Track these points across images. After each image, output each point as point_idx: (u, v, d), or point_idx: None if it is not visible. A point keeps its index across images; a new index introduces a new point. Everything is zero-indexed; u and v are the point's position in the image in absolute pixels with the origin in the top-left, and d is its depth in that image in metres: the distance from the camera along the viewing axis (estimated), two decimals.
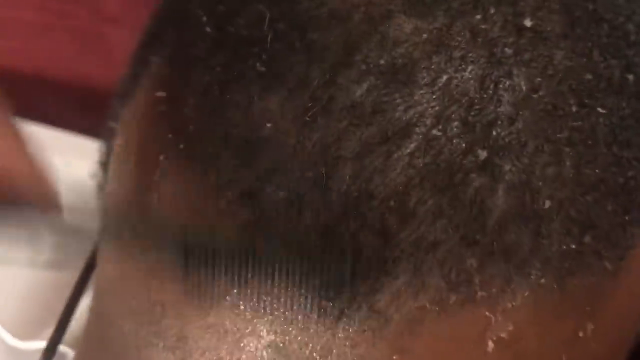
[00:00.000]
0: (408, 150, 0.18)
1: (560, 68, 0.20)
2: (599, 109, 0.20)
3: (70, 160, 0.41)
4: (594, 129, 0.20)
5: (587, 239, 0.19)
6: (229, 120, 0.19)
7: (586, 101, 0.20)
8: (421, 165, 0.18)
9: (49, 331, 0.34)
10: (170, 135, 0.20)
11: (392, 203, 0.18)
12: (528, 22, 0.20)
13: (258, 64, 0.19)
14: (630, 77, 0.21)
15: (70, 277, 0.37)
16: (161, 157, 0.21)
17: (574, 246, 0.19)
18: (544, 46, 0.20)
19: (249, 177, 0.19)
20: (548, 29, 0.20)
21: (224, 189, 0.19)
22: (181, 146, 0.20)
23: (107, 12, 0.44)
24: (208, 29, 0.21)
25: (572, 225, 0.19)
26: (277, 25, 0.20)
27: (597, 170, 0.20)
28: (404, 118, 0.19)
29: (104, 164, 0.26)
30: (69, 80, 0.45)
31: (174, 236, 0.20)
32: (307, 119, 0.19)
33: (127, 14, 0.44)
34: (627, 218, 0.20)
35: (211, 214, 0.19)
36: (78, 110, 0.47)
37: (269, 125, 0.19)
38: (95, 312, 0.24)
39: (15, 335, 0.35)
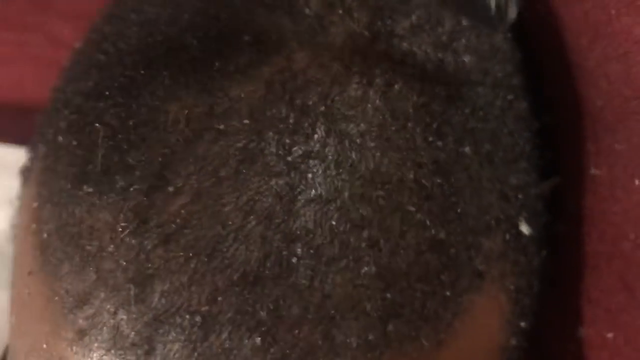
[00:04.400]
0: (211, 267, 0.20)
1: (367, 169, 0.21)
2: (409, 207, 0.21)
3: None
4: (402, 225, 0.21)
5: (390, 327, 0.20)
6: (67, 235, 0.21)
7: (393, 197, 0.21)
8: (221, 281, 0.20)
9: None
10: (33, 239, 0.22)
11: (197, 318, 0.20)
12: (342, 126, 0.21)
13: (86, 185, 0.21)
14: (467, 149, 0.22)
15: None
16: (29, 256, 0.23)
17: (373, 337, 0.20)
18: (352, 149, 0.21)
19: (81, 287, 0.21)
20: (360, 129, 0.21)
21: (65, 295, 0.21)
22: (38, 252, 0.22)
23: (64, 39, 0.46)
24: (60, 138, 0.23)
25: (370, 319, 0.20)
26: (106, 144, 0.21)
27: (404, 264, 0.21)
28: (207, 236, 0.20)
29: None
30: (33, 104, 0.48)
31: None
32: (124, 237, 0.20)
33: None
34: (448, 293, 0.21)
35: (57, 318, 0.21)
36: None
37: (95, 242, 0.21)
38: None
39: None
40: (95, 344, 0.20)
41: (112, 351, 0.20)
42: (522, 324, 0.25)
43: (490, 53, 0.25)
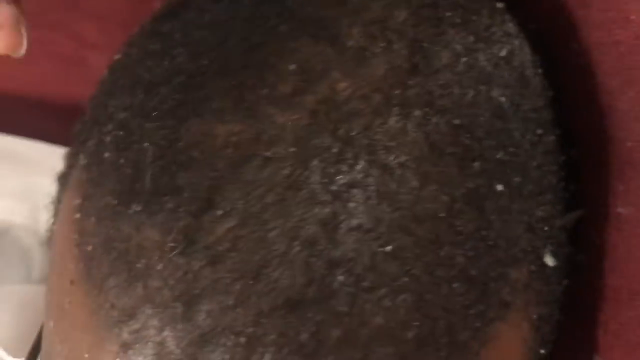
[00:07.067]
0: (255, 290, 0.20)
1: (406, 201, 0.21)
2: (444, 240, 0.21)
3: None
4: (437, 257, 0.21)
5: (423, 356, 0.21)
6: (114, 251, 0.22)
7: (429, 230, 0.21)
8: (265, 304, 0.20)
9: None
10: (76, 250, 0.23)
11: (240, 338, 0.20)
12: (382, 157, 0.21)
13: (136, 204, 0.22)
14: (498, 182, 0.23)
15: None
16: (72, 266, 0.23)
17: None
18: (393, 181, 0.21)
19: (128, 303, 0.21)
20: (400, 161, 0.22)
21: (110, 309, 0.22)
22: (81, 265, 0.23)
23: (88, 38, 0.47)
24: (106, 154, 0.23)
25: (405, 347, 0.21)
26: (156, 164, 0.22)
27: (438, 295, 0.21)
28: (253, 260, 0.21)
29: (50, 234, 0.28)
30: (55, 101, 0.48)
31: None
32: (172, 258, 0.21)
33: (106, 40, 0.47)
34: (478, 324, 0.22)
35: (100, 330, 0.22)
36: (65, 128, 0.50)
37: (143, 260, 0.21)
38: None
39: (10, 352, 0.38)
40: (139, 358, 0.21)
41: None
42: (542, 351, 0.26)
43: (522, 87, 0.26)
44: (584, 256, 0.28)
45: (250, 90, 0.23)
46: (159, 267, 0.21)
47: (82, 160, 0.26)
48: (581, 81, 0.27)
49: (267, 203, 0.21)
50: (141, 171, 0.22)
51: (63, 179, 0.28)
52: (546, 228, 0.25)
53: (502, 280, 0.23)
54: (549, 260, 0.25)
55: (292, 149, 0.22)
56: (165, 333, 0.21)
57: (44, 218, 0.43)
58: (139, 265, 0.21)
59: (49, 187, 0.44)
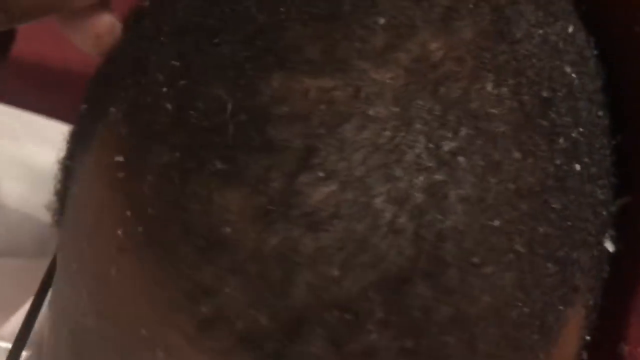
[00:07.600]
0: (361, 261, 0.18)
1: (509, 172, 0.20)
2: (540, 217, 0.21)
3: (27, 145, 0.40)
4: (535, 235, 0.21)
5: (521, 338, 0.20)
6: (188, 213, 0.19)
7: (530, 205, 0.21)
8: (373, 276, 0.18)
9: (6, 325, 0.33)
10: (128, 213, 0.20)
11: (345, 314, 0.18)
12: (484, 124, 0.20)
13: (218, 160, 0.19)
14: (574, 161, 0.22)
15: (23, 264, 0.36)
16: (119, 232, 0.20)
17: (507, 347, 0.20)
18: (497, 150, 0.20)
19: (208, 274, 0.19)
20: (501, 129, 0.21)
21: (183, 280, 0.19)
22: (140, 229, 0.20)
23: None
24: (168, 105, 0.20)
25: (508, 328, 0.20)
26: (238, 117, 0.19)
27: (536, 275, 0.21)
28: (358, 228, 0.19)
29: (60, 196, 0.25)
30: (27, 61, 0.44)
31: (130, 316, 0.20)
32: (266, 222, 0.18)
33: None
34: (561, 307, 0.22)
35: (168, 304, 0.19)
36: (37, 90, 0.45)
37: (229, 223, 0.19)
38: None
39: None
40: (222, 337, 0.19)
41: (241, 345, 0.18)
42: (588, 337, 0.26)
43: (584, 67, 0.26)
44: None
45: (339, 42, 0.21)
46: (250, 233, 0.18)
47: (117, 113, 0.23)
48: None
49: (369, 166, 0.19)
50: (221, 124, 0.19)
51: (81, 137, 0.25)
52: (604, 212, 0.25)
53: (576, 263, 0.23)
54: (609, 246, 0.25)
55: (394, 109, 0.20)
56: (255, 308, 0.18)
57: (4, 186, 0.39)
58: (224, 230, 0.19)
59: (9, 150, 0.39)
